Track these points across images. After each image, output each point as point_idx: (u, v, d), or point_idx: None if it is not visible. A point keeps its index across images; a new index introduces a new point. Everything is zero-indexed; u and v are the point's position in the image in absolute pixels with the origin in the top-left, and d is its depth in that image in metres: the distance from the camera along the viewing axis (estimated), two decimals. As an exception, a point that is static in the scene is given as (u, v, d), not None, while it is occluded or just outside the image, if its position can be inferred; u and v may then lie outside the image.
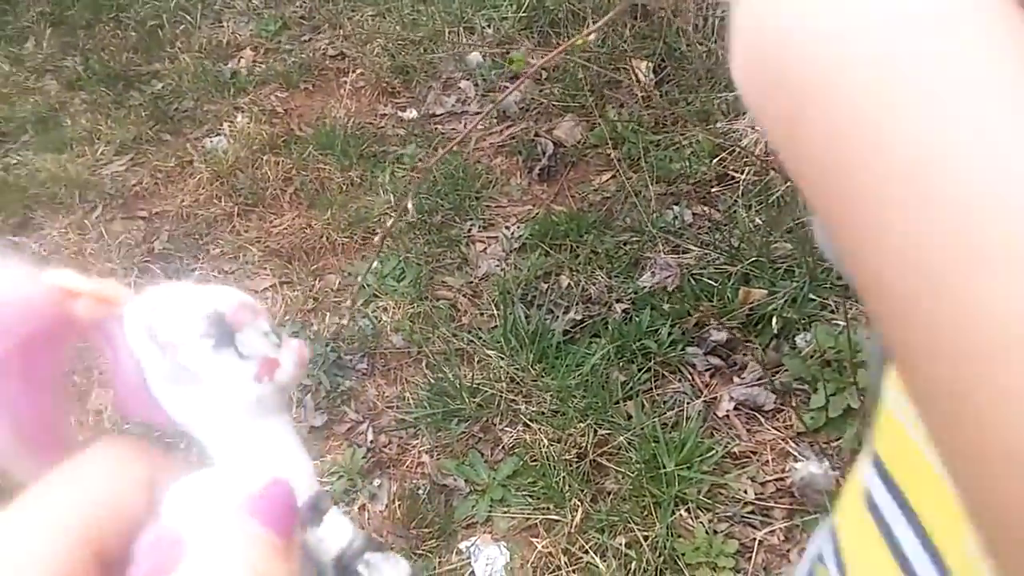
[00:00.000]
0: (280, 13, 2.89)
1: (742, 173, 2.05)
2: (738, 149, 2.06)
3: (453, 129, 2.42)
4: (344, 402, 1.76)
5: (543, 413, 1.64)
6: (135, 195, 2.31)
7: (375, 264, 2.01)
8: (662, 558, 1.37)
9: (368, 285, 1.97)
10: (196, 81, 2.63)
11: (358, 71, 2.63)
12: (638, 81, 2.43)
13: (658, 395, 1.64)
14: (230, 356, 0.25)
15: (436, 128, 2.42)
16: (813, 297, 1.67)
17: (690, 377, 1.67)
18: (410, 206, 1.68)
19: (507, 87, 2.51)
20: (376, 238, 2.09)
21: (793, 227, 1.85)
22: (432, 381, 1.74)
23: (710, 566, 1.35)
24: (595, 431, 1.58)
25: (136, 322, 0.25)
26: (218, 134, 2.46)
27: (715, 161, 2.10)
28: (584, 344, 1.76)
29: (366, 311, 1.92)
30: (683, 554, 1.37)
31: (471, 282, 1.97)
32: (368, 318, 1.90)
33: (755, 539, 1.38)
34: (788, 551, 1.35)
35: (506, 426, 1.64)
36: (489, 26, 2.67)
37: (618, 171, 2.21)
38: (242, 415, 0.25)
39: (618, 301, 1.84)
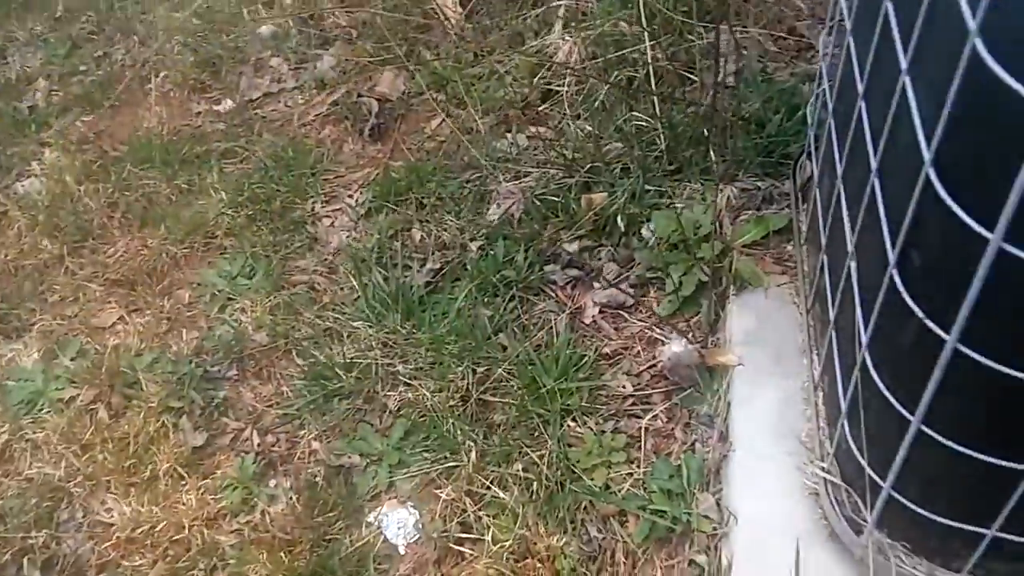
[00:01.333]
0: (67, 34, 2.71)
1: (564, 86, 2.05)
2: (555, 65, 2.05)
3: (273, 110, 2.34)
4: (222, 414, 1.70)
5: (421, 368, 1.62)
6: (-47, 261, 2.15)
7: (223, 266, 1.94)
8: (559, 471, 1.39)
9: (220, 290, 1.90)
10: (-9, 126, 2.45)
11: (162, 74, 2.50)
12: (447, 19, 2.38)
13: (527, 320, 1.65)
14: None
15: (256, 113, 2.33)
16: (649, 188, 1.69)
17: (553, 294, 1.68)
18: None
19: (318, 55, 2.43)
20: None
21: (620, 125, 1.87)
22: (305, 368, 1.70)
23: (605, 465, 1.38)
24: (473, 371, 1.57)
25: None
26: (28, 176, 2.31)
27: (537, 80, 2.09)
28: (447, 291, 1.74)
29: (223, 317, 1.85)
30: (578, 461, 1.39)
31: (325, 259, 1.92)
32: (227, 323, 1.83)
33: (641, 427, 1.41)
34: (672, 430, 1.39)
35: (388, 391, 1.62)
36: (287, -3, 2.57)
37: (447, 113, 2.18)
38: None
39: (472, 240, 1.83)
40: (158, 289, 1.96)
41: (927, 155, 0.80)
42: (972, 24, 0.70)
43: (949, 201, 0.77)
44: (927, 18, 0.83)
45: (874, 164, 0.98)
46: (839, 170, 1.15)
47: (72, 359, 1.86)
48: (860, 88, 1.07)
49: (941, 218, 0.79)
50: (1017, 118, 0.70)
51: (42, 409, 1.79)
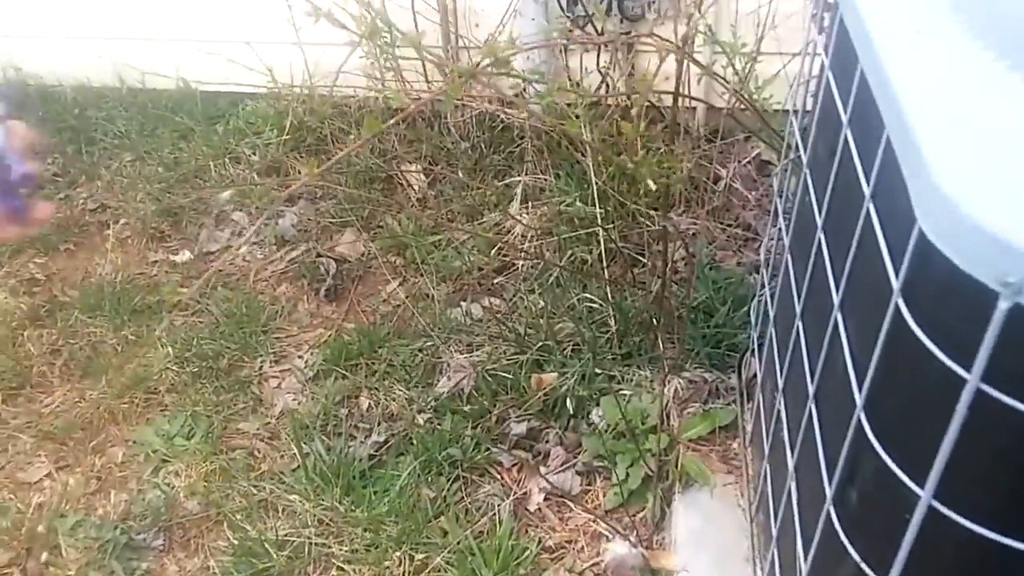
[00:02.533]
0: (30, 174, 2.72)
1: (520, 260, 2.09)
2: (512, 239, 2.11)
3: (231, 264, 2.35)
4: (142, 588, 1.61)
5: (356, 551, 1.56)
6: None
7: (161, 424, 1.88)
8: None
9: (156, 451, 1.84)
10: (-61, 263, 2.41)
11: (122, 221, 2.51)
12: (411, 186, 2.46)
13: (470, 503, 1.61)
14: None
15: (212, 266, 2.33)
16: (599, 371, 1.71)
17: (499, 476, 1.65)
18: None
19: (281, 211, 2.47)
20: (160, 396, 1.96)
21: (573, 304, 1.90)
22: (236, 543, 1.63)
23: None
24: (411, 557, 1.52)
25: None
26: (-29, 316, 2.26)
27: (493, 252, 2.14)
28: (391, 466, 1.71)
29: (156, 480, 1.78)
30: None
31: (268, 423, 1.88)
32: (159, 487, 1.76)
33: (581, 634, 1.36)
34: (611, 639, 1.34)
35: (320, 574, 1.55)
36: (255, 153, 2.63)
37: (404, 278, 2.21)
38: None
39: (420, 412, 1.81)
40: (91, 445, 1.89)
41: (859, 399, 0.82)
42: (895, 283, 0.74)
43: (880, 450, 0.79)
44: (856, 261, 0.88)
45: (811, 388, 1.00)
46: (779, 383, 1.17)
47: (-10, 517, 1.76)
48: (797, 308, 1.11)
49: (875, 463, 0.80)
50: (939, 382, 0.72)
51: (-51, 574, 1.68)
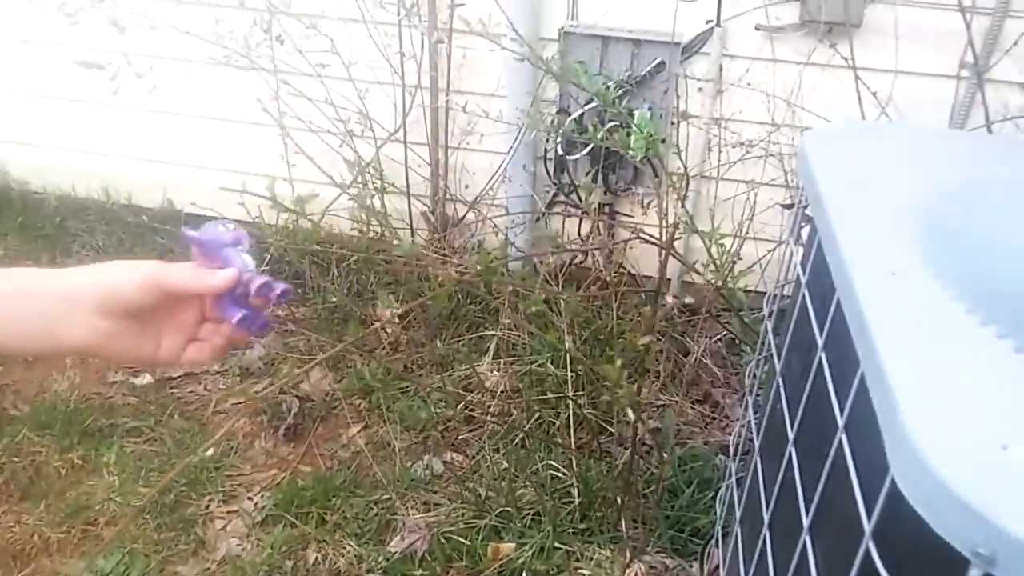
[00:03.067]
0: (-1, 278, 2.69)
1: (486, 416, 2.08)
2: (480, 393, 2.10)
3: (191, 392, 2.30)
4: None
5: None
6: None
7: (96, 561, 1.79)
8: None
9: (84, 590, 1.74)
10: None
11: (86, 337, 2.46)
12: (384, 328, 2.46)
13: None
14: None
15: (172, 393, 2.28)
16: (558, 546, 1.67)
17: (445, 653, 1.57)
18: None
19: (251, 343, 2.45)
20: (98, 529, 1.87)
21: (537, 469, 1.88)
22: None
23: None
24: None
25: None
26: (-89, 423, 2.16)
27: (460, 406, 2.13)
28: (332, 630, 1.62)
29: (80, 624, 1.67)
30: None
31: (207, 568, 1.79)
32: (82, 632, 1.65)
33: None
34: None
35: None
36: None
37: (367, 423, 2.17)
38: None
39: (369, 572, 1.74)
40: (20, 575, 1.78)
41: (828, 633, 0.80)
42: (867, 526, 0.74)
43: None
44: (828, 486, 0.88)
45: (777, 606, 0.98)
46: (744, 588, 1.15)
47: None
48: (765, 517, 1.10)
49: None
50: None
51: None
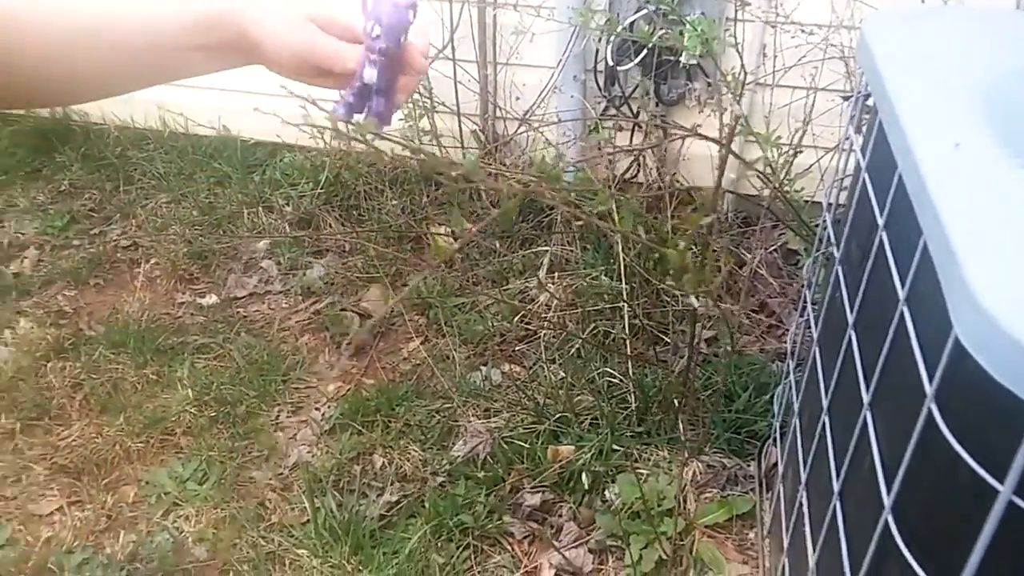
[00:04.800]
0: (67, 207, 2.79)
1: (542, 329, 2.11)
2: (535, 307, 2.13)
3: (256, 311, 2.38)
4: (142, 634, 1.59)
5: (361, 612, 1.55)
6: (-102, 423, 2.08)
7: (175, 467, 1.89)
8: None
9: (167, 493, 1.84)
10: (-28, 288, 2.46)
11: (153, 260, 2.55)
12: (439, 247, 2.49)
13: (479, 572, 1.60)
14: None
15: (238, 312, 2.36)
16: (617, 448, 1.71)
17: (509, 548, 1.64)
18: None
19: (310, 263, 2.51)
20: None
21: (593, 377, 1.91)
22: (240, 594, 1.61)
23: None
24: (416, 623, 1.50)
25: None
26: (-3, 344, 2.29)
27: (516, 319, 2.16)
28: (401, 528, 1.70)
29: (165, 523, 1.78)
30: None
31: (280, 474, 1.88)
32: (168, 530, 1.76)
33: None
34: None
35: (323, 633, 1.54)
36: (288, 204, 2.68)
37: (426, 337, 2.22)
38: None
39: (433, 474, 1.81)
40: (104, 483, 1.89)
41: (887, 501, 0.82)
42: (929, 389, 0.75)
43: (907, 554, 0.79)
44: (888, 362, 0.89)
45: (836, 485, 1.00)
46: (802, 475, 1.17)
47: (0, 546, 1.76)
48: (824, 403, 1.12)
49: (900, 567, 0.80)
50: (970, 490, 0.73)
51: (-49, 603, 1.67)
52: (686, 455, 1.56)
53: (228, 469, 1.88)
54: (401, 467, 1.84)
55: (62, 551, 1.74)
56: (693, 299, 1.05)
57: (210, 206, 2.71)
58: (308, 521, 1.73)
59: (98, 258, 2.57)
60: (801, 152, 1.81)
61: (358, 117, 0.74)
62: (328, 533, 1.68)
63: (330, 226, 2.62)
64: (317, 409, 2.04)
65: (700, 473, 1.57)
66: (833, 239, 1.21)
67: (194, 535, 1.75)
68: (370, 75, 0.68)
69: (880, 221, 0.95)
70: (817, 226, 1.82)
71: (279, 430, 1.99)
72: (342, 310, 2.32)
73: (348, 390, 2.09)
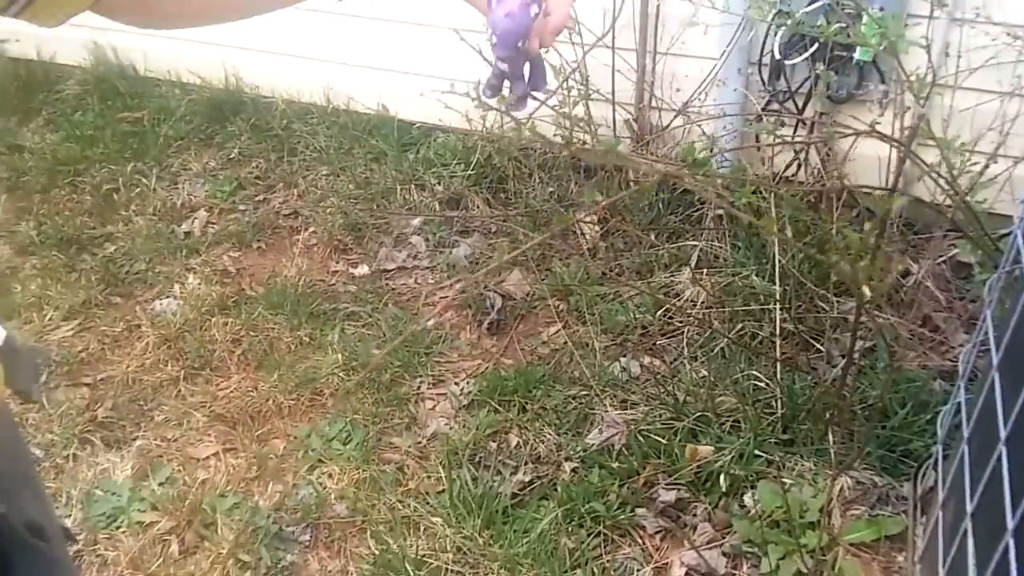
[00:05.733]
0: (235, 174, 2.96)
1: (685, 325, 2.08)
2: (680, 302, 2.09)
3: (403, 284, 2.45)
4: (285, 579, 1.69)
5: (490, 586, 1.58)
6: (81, 361, 2.28)
7: (322, 426, 1.98)
8: None
9: (313, 450, 1.93)
10: (149, 243, 2.65)
11: (311, 229, 2.68)
12: (583, 234, 2.49)
13: (608, 562, 1.60)
14: None
15: (387, 284, 2.45)
16: (759, 453, 1.66)
17: (640, 541, 1.63)
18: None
19: (456, 242, 2.57)
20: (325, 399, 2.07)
21: (738, 379, 1.86)
22: (376, 553, 1.68)
23: None
24: (544, 604, 1.52)
25: None
26: (168, 296, 2.46)
27: (659, 312, 2.13)
28: (533, 508, 1.72)
29: (310, 478, 1.87)
30: None
31: (419, 442, 1.94)
32: (312, 485, 1.85)
33: None
34: None
35: (452, 601, 1.58)
36: (439, 183, 2.75)
37: (566, 323, 2.23)
38: None
39: (567, 459, 1.82)
40: (257, 434, 2.01)
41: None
42: None
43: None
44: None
45: (1010, 522, 0.94)
46: (968, 507, 1.10)
47: (160, 484, 1.90)
48: (1003, 433, 1.04)
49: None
50: None
51: (120, 527, 1.82)
52: (835, 468, 1.50)
53: (371, 432, 1.96)
54: (535, 449, 1.86)
55: (215, 494, 1.86)
56: (866, 289, 1.00)
57: (366, 181, 2.81)
58: (443, 491, 1.78)
59: (261, 223, 2.72)
60: (995, 162, 1.69)
61: (503, 97, 0.82)
62: (462, 505, 1.72)
63: (478, 207, 2.66)
64: (456, 384, 2.09)
65: (848, 489, 1.50)
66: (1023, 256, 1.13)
67: (336, 492, 1.83)
68: (502, 66, 0.77)
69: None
70: (999, 239, 1.70)
71: (420, 401, 2.05)
72: (485, 289, 2.36)
73: (487, 368, 2.12)
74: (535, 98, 0.84)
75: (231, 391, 2.14)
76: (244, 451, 1.97)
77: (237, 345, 2.26)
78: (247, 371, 2.19)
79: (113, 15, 0.68)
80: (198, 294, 2.43)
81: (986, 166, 1.61)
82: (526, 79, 0.79)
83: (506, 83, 0.80)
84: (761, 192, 2.00)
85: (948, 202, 1.66)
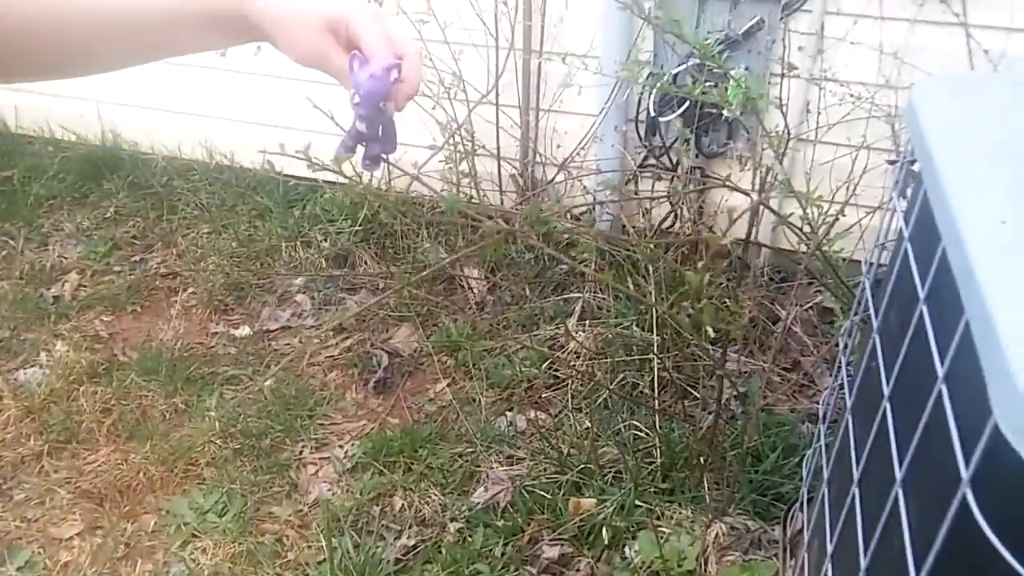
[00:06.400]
0: (111, 234, 2.84)
1: (569, 378, 2.09)
2: (564, 355, 2.11)
3: (287, 344, 2.39)
4: (152, 666, 1.58)
5: (372, 659, 1.52)
6: (-68, 438, 2.11)
7: (196, 498, 1.89)
8: None
9: (187, 524, 1.84)
10: (13, 309, 2.50)
11: (190, 290, 2.59)
12: (471, 288, 2.50)
13: (493, 625, 1.57)
14: None
15: (269, 345, 2.38)
16: (639, 504, 1.67)
17: (525, 601, 1.60)
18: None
19: (343, 299, 2.53)
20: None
21: (619, 429, 1.88)
22: (252, 632, 1.60)
23: None
24: (426, 675, 1.47)
25: None
26: (33, 365, 2.32)
27: (544, 365, 2.15)
28: (416, 572, 1.68)
29: (182, 554, 1.77)
30: None
31: (300, 510, 1.87)
32: (184, 562, 1.75)
33: None
34: None
35: None
36: (326, 239, 2.71)
37: (453, 379, 2.22)
38: None
39: (452, 520, 1.79)
40: (126, 510, 1.90)
41: (917, 587, 0.79)
42: (964, 473, 0.72)
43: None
44: (923, 439, 0.86)
45: (863, 562, 0.97)
46: (828, 547, 1.13)
47: (19, 569, 1.77)
48: (855, 474, 1.08)
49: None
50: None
51: (-33, 622, 1.68)
52: (710, 516, 1.52)
53: (248, 503, 1.88)
54: (420, 511, 1.82)
55: (80, 577, 1.75)
56: (710, 329, 1.02)
57: (249, 238, 2.74)
58: (324, 560, 1.72)
59: (137, 285, 2.61)
60: (844, 216, 1.78)
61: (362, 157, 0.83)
62: (343, 574, 1.66)
63: (366, 263, 2.63)
64: (340, 447, 2.04)
65: (723, 535, 1.53)
66: (871, 305, 1.18)
67: (210, 568, 1.74)
68: (360, 127, 0.77)
69: (921, 293, 0.92)
70: (855, 287, 1.79)
71: (302, 466, 1.99)
72: (372, 347, 2.33)
73: (372, 429, 2.08)
74: (386, 160, 0.85)
75: (99, 465, 2.02)
76: (112, 529, 1.86)
77: (107, 415, 2.15)
78: (117, 443, 2.08)
79: None
80: (66, 362, 2.30)
81: (836, 217, 1.70)
82: (380, 140, 0.81)
83: (360, 145, 0.81)
84: (627, 247, 2.06)
85: (809, 253, 1.73)
